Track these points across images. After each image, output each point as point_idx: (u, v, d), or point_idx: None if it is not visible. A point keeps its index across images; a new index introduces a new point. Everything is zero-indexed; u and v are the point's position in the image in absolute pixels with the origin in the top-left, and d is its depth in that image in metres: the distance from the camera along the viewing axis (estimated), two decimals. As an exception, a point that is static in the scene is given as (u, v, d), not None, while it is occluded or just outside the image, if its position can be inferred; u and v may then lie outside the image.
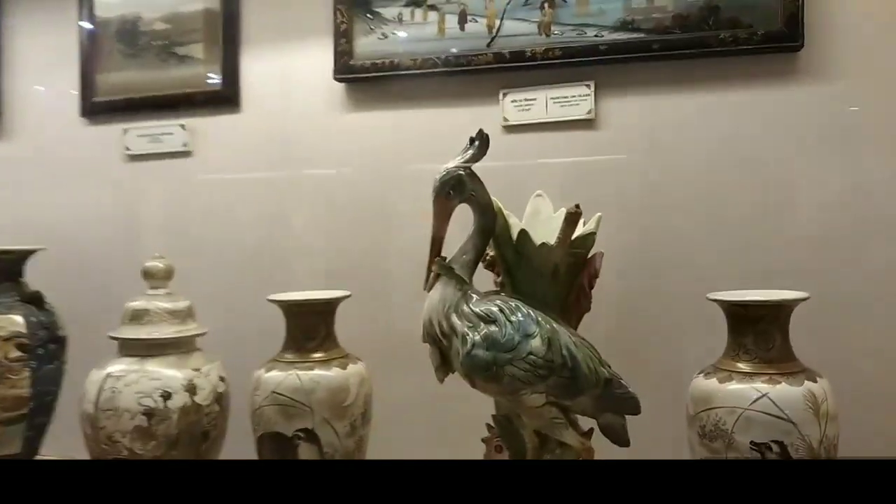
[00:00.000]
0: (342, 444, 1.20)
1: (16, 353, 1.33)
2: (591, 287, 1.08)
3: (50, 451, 1.44)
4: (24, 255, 1.42)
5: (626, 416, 1.03)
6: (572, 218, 1.02)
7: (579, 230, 1.05)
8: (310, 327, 1.25)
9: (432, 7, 1.49)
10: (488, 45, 1.46)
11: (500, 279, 1.16)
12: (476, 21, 1.47)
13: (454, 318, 0.99)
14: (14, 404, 1.34)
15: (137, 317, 1.31)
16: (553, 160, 1.45)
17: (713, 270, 1.34)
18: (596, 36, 1.39)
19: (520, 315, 0.99)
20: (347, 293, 1.28)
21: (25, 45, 1.83)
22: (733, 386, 1.04)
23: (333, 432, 1.19)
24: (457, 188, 1.01)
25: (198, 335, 1.34)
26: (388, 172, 1.55)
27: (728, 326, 1.10)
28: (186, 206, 1.69)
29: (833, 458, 1.03)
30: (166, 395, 1.24)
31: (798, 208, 1.34)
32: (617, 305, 1.36)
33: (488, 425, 1.19)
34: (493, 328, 0.98)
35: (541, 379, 0.98)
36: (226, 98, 1.66)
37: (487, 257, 1.09)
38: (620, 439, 1.03)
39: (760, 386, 1.02)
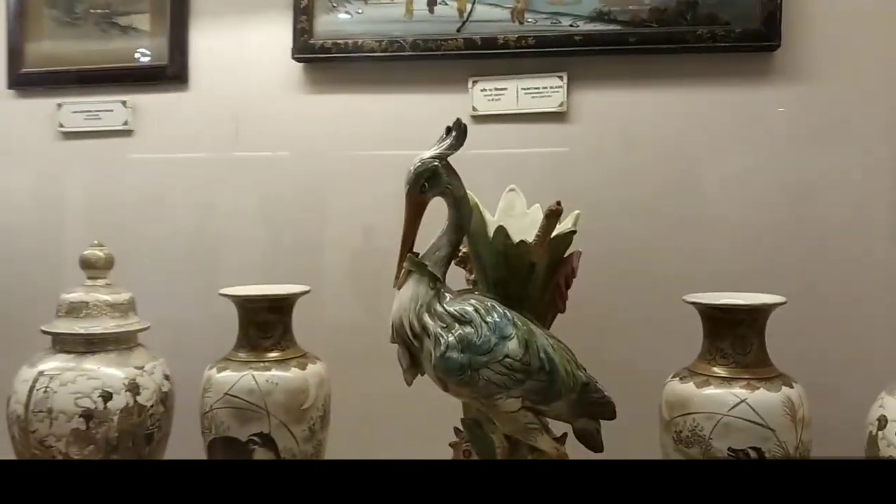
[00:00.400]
0: (300, 448, 1.13)
1: (-67, 348, 1.21)
2: (569, 287, 1.05)
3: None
4: (-56, 240, 1.30)
5: (601, 421, 1.00)
6: (553, 215, 0.98)
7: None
8: (266, 324, 1.17)
9: (400, -14, 1.41)
10: (458, 29, 1.39)
11: (472, 277, 1.11)
12: (446, 4, 1.40)
13: (426, 318, 0.93)
14: (-70, 404, 1.21)
15: (75, 310, 1.20)
16: (523, 151, 1.40)
17: (684, 269, 1.32)
18: (571, 26, 1.35)
19: (496, 315, 0.94)
20: (307, 288, 1.21)
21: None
22: (711, 391, 1.02)
23: (291, 436, 1.12)
24: (432, 180, 0.94)
25: (141, 330, 1.25)
26: (348, 159, 1.47)
27: (704, 329, 1.08)
28: (126, 189, 1.57)
29: (806, 463, 1.03)
30: (106, 396, 1.15)
31: (773, 207, 1.33)
32: (587, 304, 1.32)
33: (456, 429, 1.14)
34: (468, 329, 0.92)
35: (517, 383, 0.93)
36: (173, 74, 1.54)
37: (460, 254, 1.04)
38: (595, 445, 1.00)
39: (738, 391, 1.00)
